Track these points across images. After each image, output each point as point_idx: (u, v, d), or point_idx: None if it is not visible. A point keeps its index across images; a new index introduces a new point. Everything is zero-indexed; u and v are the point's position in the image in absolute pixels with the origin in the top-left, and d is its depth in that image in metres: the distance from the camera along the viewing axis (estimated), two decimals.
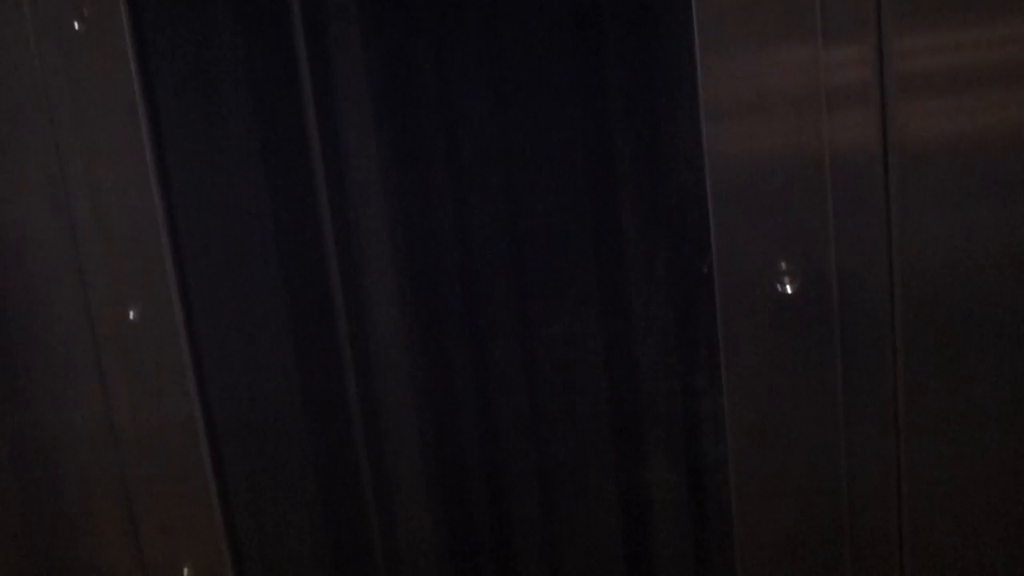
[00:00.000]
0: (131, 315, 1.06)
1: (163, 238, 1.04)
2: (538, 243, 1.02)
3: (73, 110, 1.04)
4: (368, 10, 1.08)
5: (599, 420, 1.03)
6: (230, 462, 1.09)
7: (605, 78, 0.96)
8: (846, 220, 0.75)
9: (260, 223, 1.12)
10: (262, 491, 1.13)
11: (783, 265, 0.76)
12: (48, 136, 1.06)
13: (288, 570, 1.16)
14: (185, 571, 1.10)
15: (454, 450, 1.14)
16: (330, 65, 1.09)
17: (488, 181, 1.04)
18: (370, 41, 1.08)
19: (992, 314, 0.74)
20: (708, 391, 0.91)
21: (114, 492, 1.10)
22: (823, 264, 0.76)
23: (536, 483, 1.09)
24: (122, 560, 1.12)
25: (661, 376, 0.96)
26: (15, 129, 1.07)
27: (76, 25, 1.02)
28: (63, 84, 1.04)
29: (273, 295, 1.13)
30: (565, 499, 1.08)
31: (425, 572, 1.18)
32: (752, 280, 0.76)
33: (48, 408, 1.11)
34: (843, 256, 0.76)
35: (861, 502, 0.78)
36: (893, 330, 0.75)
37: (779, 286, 0.76)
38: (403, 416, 1.15)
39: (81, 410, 1.10)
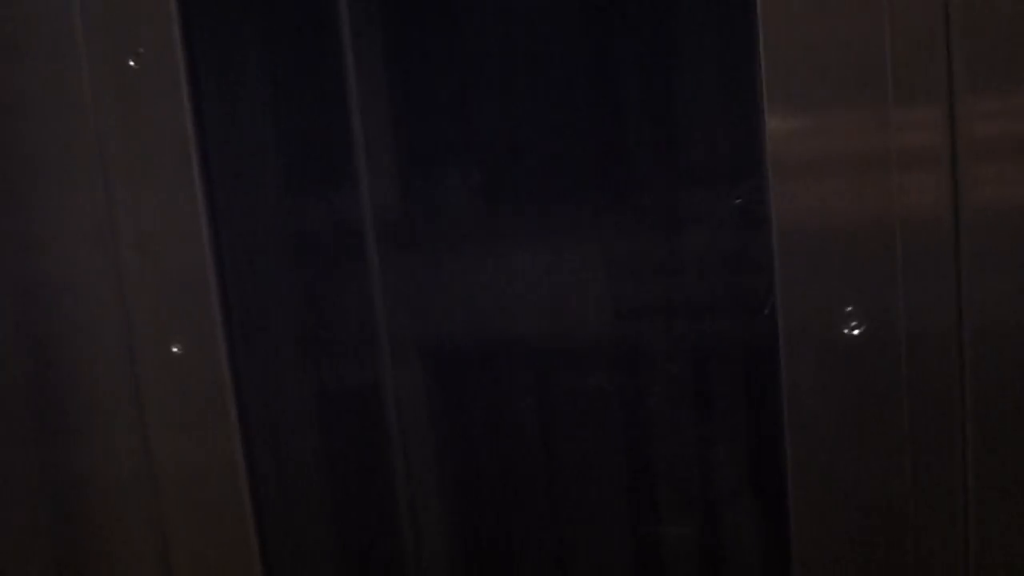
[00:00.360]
0: (175, 349, 1.06)
1: (210, 274, 1.04)
2: (594, 282, 1.02)
3: (124, 145, 1.06)
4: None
5: (654, 463, 1.02)
6: (268, 498, 1.08)
7: (666, 126, 0.97)
8: (914, 281, 0.75)
9: (305, 262, 1.12)
10: (301, 526, 1.13)
11: (849, 309, 0.76)
12: (97, 170, 1.07)
13: None
14: None
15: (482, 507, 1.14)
16: (381, 111, 1.10)
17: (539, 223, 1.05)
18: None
19: None
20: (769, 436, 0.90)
21: (150, 525, 1.09)
22: (891, 316, 0.75)
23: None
24: None
25: (721, 419, 0.95)
26: (66, 163, 1.08)
27: (131, 62, 1.04)
28: (115, 120, 1.05)
29: (314, 333, 1.14)
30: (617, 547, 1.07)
31: None
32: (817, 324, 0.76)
33: (87, 440, 1.11)
34: (911, 311, 0.75)
35: (928, 550, 0.78)
36: (963, 381, 0.75)
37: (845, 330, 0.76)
38: (434, 446, 1.15)
39: (120, 444, 1.09)
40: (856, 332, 0.76)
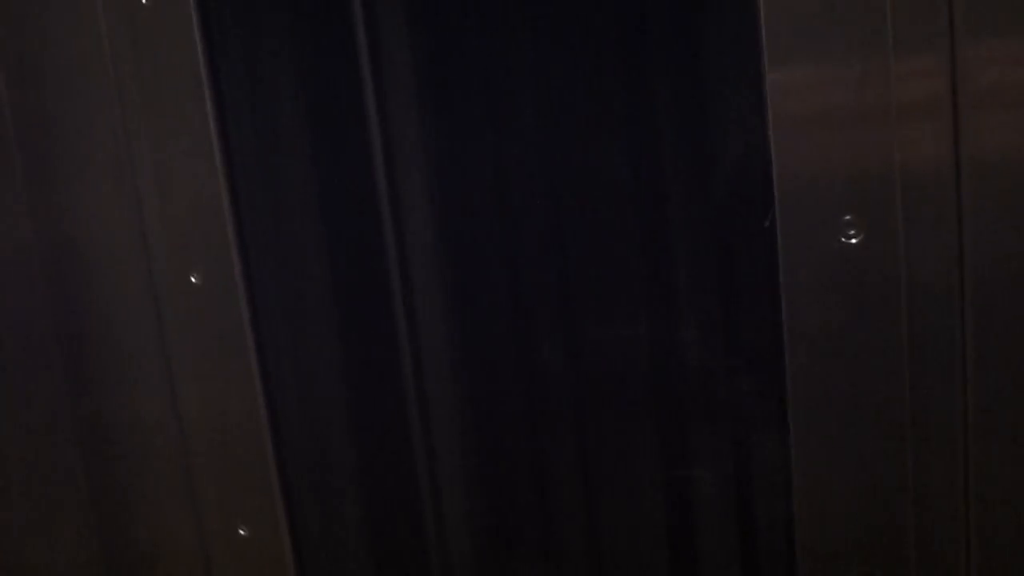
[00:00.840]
0: (193, 279, 1.09)
1: (224, 205, 1.07)
2: (595, 215, 1.03)
3: (139, 81, 1.07)
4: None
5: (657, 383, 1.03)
6: (287, 422, 1.11)
7: (667, 80, 0.97)
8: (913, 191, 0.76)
9: (316, 193, 1.14)
10: (316, 453, 1.16)
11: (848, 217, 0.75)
12: (115, 106, 1.09)
13: (339, 528, 1.18)
14: (240, 531, 1.13)
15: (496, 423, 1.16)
16: (386, 46, 1.11)
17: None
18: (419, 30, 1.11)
19: None
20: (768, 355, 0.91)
21: (173, 449, 1.13)
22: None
23: (584, 465, 1.10)
24: (180, 519, 1.15)
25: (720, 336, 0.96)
26: (84, 100, 1.10)
27: (143, 0, 1.06)
28: (130, 57, 1.07)
29: (328, 263, 1.16)
30: (612, 478, 1.09)
31: (467, 556, 1.20)
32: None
33: (110, 366, 1.14)
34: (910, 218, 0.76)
35: (927, 455, 0.79)
36: (962, 287, 0.75)
37: None
38: (450, 383, 1.17)
39: (142, 371, 1.13)
40: (854, 241, 0.76)
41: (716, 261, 0.95)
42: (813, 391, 0.81)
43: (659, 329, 0.99)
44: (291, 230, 1.13)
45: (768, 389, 0.89)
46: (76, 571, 1.21)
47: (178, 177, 1.08)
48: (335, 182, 1.13)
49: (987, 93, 0.74)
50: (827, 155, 0.77)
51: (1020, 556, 0.80)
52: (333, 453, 1.17)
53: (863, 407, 0.80)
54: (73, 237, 1.14)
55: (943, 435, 0.79)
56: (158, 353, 1.12)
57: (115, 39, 1.08)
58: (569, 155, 1.05)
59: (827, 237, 0.77)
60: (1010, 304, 0.75)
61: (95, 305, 1.15)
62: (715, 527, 1.01)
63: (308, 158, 1.14)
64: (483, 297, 1.13)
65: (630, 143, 1.02)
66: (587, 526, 1.12)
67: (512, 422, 1.15)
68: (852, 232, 0.76)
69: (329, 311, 1.15)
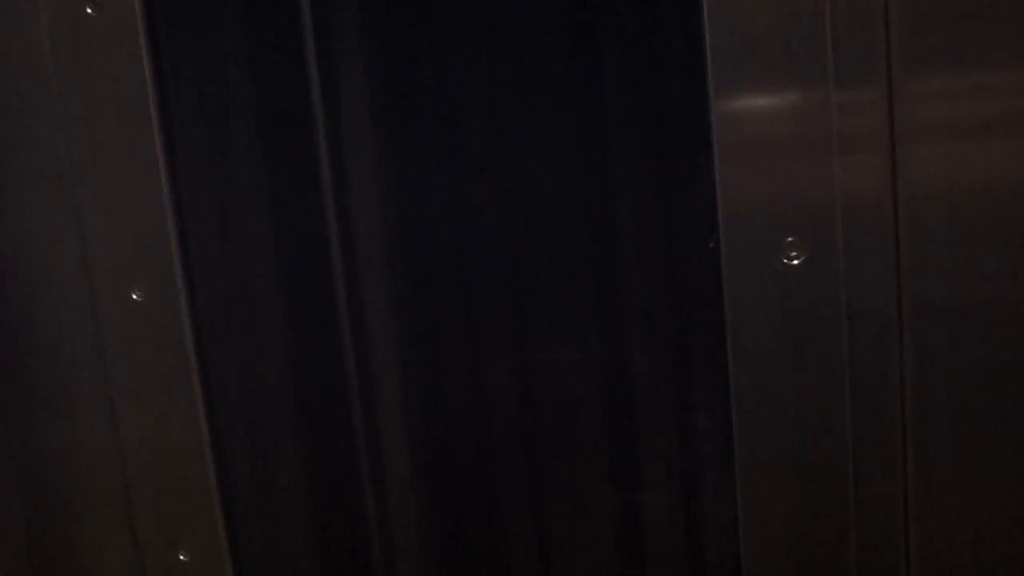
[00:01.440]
0: (135, 296, 1.07)
1: (169, 220, 1.05)
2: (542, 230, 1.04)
3: (83, 93, 1.06)
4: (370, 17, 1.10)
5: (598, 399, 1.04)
6: (228, 444, 1.09)
7: (617, 105, 0.98)
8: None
9: (262, 209, 1.13)
10: (259, 476, 1.14)
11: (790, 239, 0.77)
12: (57, 118, 1.07)
13: (281, 553, 1.16)
14: (180, 556, 1.10)
15: (447, 449, 1.15)
16: (335, 61, 1.11)
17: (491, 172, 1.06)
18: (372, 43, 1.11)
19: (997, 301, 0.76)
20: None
21: (111, 471, 1.10)
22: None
23: (529, 464, 1.10)
24: (118, 542, 1.12)
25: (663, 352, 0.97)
26: (25, 110, 1.08)
27: (88, 10, 1.04)
28: (73, 67, 1.06)
29: (273, 281, 1.14)
30: (559, 478, 1.09)
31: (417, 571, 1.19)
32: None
33: (49, 385, 1.12)
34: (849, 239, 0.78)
35: (867, 471, 0.80)
36: (900, 311, 0.77)
37: None
38: (397, 407, 1.16)
39: (81, 389, 1.10)
40: (796, 262, 0.78)
41: (662, 281, 0.96)
42: (756, 407, 0.82)
43: (606, 347, 1.00)
44: (237, 247, 1.12)
45: (713, 406, 0.90)
46: None
47: (121, 191, 1.06)
48: (283, 198, 1.12)
49: (922, 125, 0.77)
50: (770, 179, 0.79)
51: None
52: (276, 477, 1.15)
53: (804, 424, 0.82)
54: (9, 252, 1.12)
55: (883, 453, 0.81)
56: (97, 372, 1.09)
57: (59, 50, 1.06)
58: (518, 174, 1.06)
59: (770, 258, 0.79)
60: (946, 324, 0.78)
61: (32, 322, 1.12)
62: (657, 543, 1.02)
63: (255, 173, 1.12)
64: (433, 321, 1.12)
65: (578, 162, 1.03)
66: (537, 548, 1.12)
67: (464, 452, 1.15)
68: (794, 253, 0.78)
69: (275, 331, 1.14)
